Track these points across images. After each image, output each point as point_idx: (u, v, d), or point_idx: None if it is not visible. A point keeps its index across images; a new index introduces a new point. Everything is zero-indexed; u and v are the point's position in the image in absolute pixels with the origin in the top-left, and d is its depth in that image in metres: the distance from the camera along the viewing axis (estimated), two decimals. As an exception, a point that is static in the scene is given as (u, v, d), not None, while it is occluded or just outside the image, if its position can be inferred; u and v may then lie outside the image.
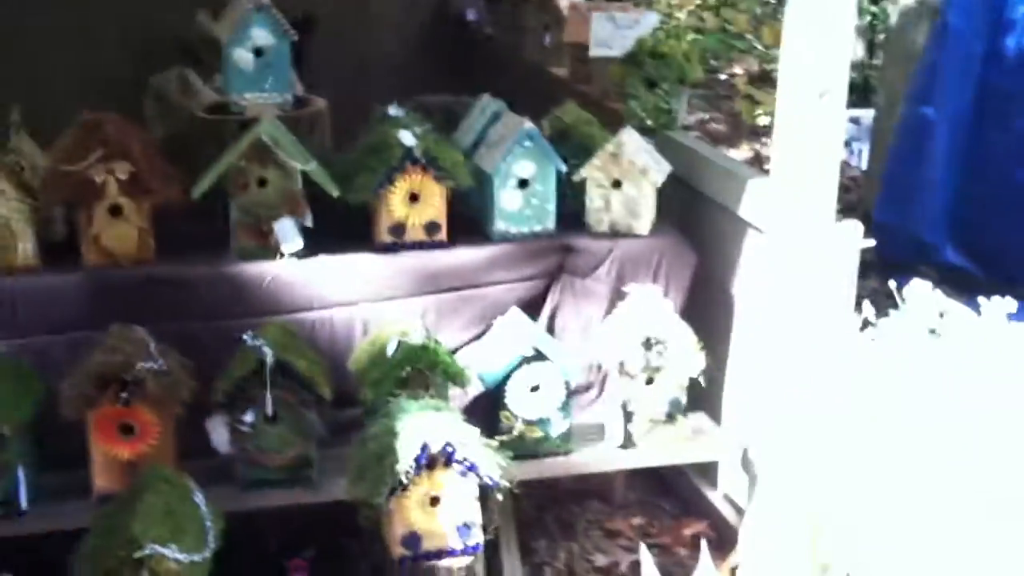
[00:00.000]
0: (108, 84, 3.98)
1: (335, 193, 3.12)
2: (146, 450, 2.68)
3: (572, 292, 3.36)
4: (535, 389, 3.03)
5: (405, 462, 2.46)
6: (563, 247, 3.33)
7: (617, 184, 3.34)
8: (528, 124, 3.22)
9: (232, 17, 3.35)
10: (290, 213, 3.08)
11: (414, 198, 3.17)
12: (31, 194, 2.95)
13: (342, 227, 3.18)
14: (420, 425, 2.50)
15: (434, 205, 3.19)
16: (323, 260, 3.13)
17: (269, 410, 2.75)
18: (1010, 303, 2.62)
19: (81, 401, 2.56)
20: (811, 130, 2.87)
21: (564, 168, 3.29)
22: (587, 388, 3.39)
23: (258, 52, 3.36)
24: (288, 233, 3.08)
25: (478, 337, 3.26)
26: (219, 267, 3.06)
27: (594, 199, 3.36)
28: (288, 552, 2.69)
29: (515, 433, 3.03)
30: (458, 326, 3.25)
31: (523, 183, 3.27)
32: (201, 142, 3.39)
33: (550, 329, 3.35)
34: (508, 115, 3.38)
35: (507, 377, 2.99)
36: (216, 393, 2.72)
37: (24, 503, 2.66)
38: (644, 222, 3.34)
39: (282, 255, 3.08)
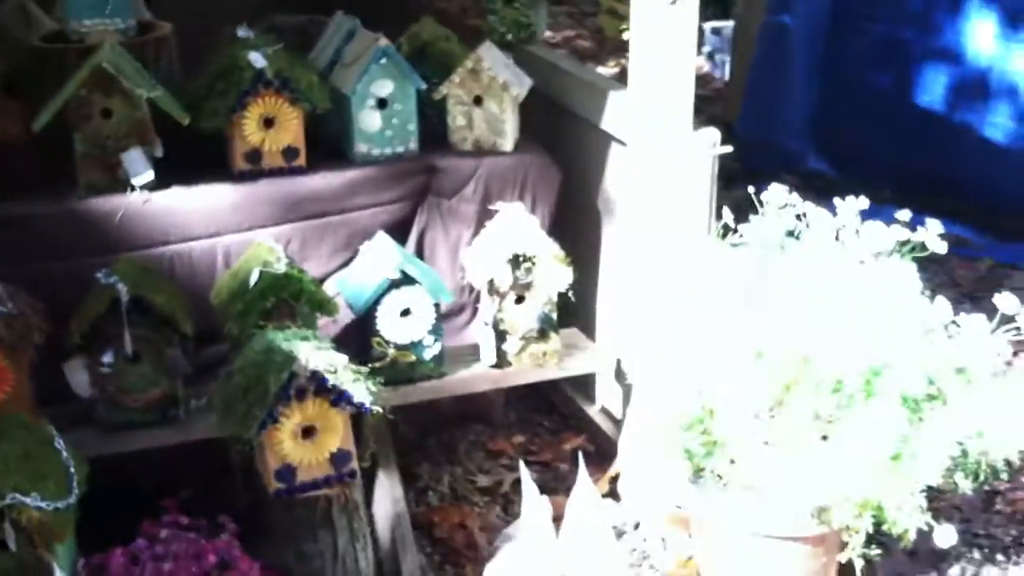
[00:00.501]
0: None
1: (185, 121, 3.03)
2: (1, 397, 2.59)
3: (439, 213, 3.35)
4: (405, 313, 3.03)
5: (273, 393, 2.44)
6: (427, 167, 3.31)
7: (478, 101, 3.32)
8: (383, 41, 3.17)
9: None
10: (139, 143, 2.98)
11: (269, 123, 3.10)
12: None
13: (196, 156, 3.09)
14: (287, 355, 2.48)
15: (290, 129, 3.12)
16: (177, 191, 3.05)
17: (129, 349, 2.68)
18: (863, 202, 2.72)
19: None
20: (664, 38, 2.90)
21: (423, 86, 3.26)
22: (460, 311, 3.41)
23: (98, -26, 3.22)
24: (137, 164, 2.98)
25: (346, 264, 3.23)
26: (67, 204, 2.95)
27: (456, 117, 3.34)
28: (162, 494, 2.65)
29: (388, 360, 3.03)
30: (324, 253, 3.22)
31: (382, 103, 3.23)
32: (42, 74, 3.23)
33: (419, 252, 3.34)
34: (362, 33, 3.32)
35: (376, 302, 2.98)
36: (72, 335, 2.64)
37: None
38: (508, 139, 3.34)
39: (133, 188, 2.99)
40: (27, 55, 3.29)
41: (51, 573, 2.18)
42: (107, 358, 2.66)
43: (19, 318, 2.57)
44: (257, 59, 3.03)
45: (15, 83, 3.19)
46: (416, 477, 3.37)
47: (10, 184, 2.94)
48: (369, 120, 3.23)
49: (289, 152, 3.14)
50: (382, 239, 3.10)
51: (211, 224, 3.08)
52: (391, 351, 3.03)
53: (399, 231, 3.30)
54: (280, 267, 2.79)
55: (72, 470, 2.32)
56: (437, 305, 3.07)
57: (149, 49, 3.31)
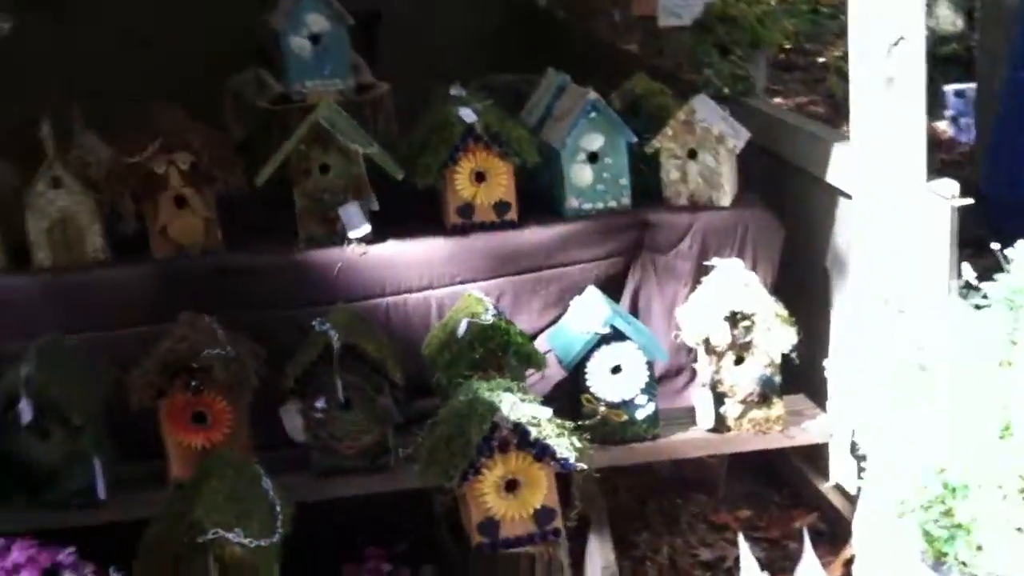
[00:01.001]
0: (185, 87, 4.04)
1: (399, 176, 3.10)
2: (220, 438, 2.68)
3: (654, 270, 3.27)
4: (616, 370, 2.95)
5: (475, 444, 2.41)
6: (641, 222, 3.25)
7: (693, 154, 3.25)
8: (592, 95, 3.16)
9: (285, 6, 3.36)
10: (355, 198, 3.07)
11: (480, 177, 3.13)
12: (97, 189, 2.99)
13: (411, 210, 3.16)
14: (489, 405, 2.45)
15: (501, 184, 3.14)
16: (392, 245, 3.11)
17: (340, 396, 2.72)
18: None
19: (150, 390, 2.58)
20: (889, 83, 2.73)
21: (635, 139, 3.22)
22: (677, 372, 3.30)
23: (314, 39, 3.38)
24: (354, 218, 3.06)
25: (557, 321, 3.20)
26: (287, 255, 3.06)
27: (670, 171, 3.28)
28: (372, 542, 2.65)
29: (598, 417, 2.95)
30: (535, 308, 3.20)
31: (593, 156, 3.20)
32: (269, 134, 3.41)
33: (633, 310, 3.27)
34: (572, 88, 3.32)
35: (585, 358, 2.92)
36: (287, 380, 2.71)
37: (102, 493, 2.68)
38: (725, 193, 3.25)
39: (349, 241, 3.07)
40: (258, 118, 3.48)
41: (252, 612, 2.20)
42: (320, 403, 2.71)
43: (237, 361, 2.66)
44: (468, 115, 3.07)
45: (248, 144, 3.37)
46: (634, 545, 3.24)
47: (236, 236, 3.09)
48: (580, 174, 3.21)
49: (500, 206, 3.16)
50: (592, 293, 3.05)
51: (425, 276, 3.12)
52: (601, 409, 2.96)
53: (612, 287, 3.24)
54: (488, 318, 2.78)
55: (278, 510, 2.36)
56: (651, 363, 2.98)
57: (367, 108, 3.43)
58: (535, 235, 3.18)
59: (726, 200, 3.26)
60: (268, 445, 2.80)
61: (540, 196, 3.30)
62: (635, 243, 3.27)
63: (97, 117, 3.34)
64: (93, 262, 2.99)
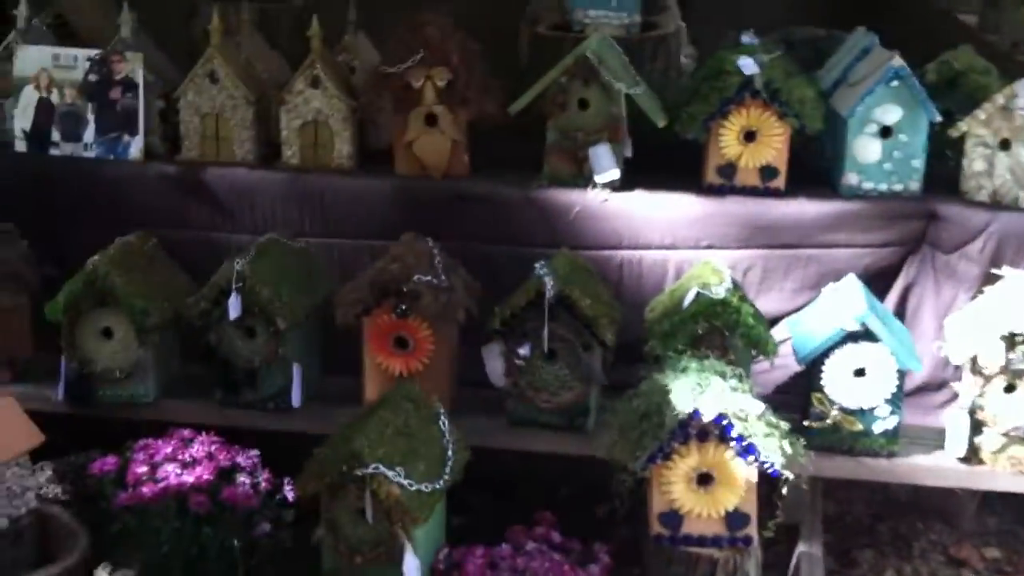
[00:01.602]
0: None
1: (661, 123, 2.89)
2: (418, 367, 2.61)
3: (932, 268, 2.90)
4: (860, 373, 2.63)
5: (669, 427, 2.20)
6: (928, 213, 2.88)
7: (1005, 144, 2.83)
8: (897, 60, 2.79)
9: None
10: (609, 140, 2.89)
11: (750, 136, 2.86)
12: (354, 95, 2.96)
13: (667, 162, 2.94)
14: (695, 388, 2.23)
15: (773, 146, 2.86)
16: (639, 196, 2.91)
17: (545, 345, 2.58)
18: None
19: (355, 308, 2.54)
20: None
21: (938, 118, 2.83)
22: (938, 387, 2.93)
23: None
24: (604, 161, 2.88)
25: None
26: (527, 191, 2.93)
27: (974, 161, 2.87)
28: (542, 501, 2.52)
29: (829, 421, 2.65)
30: (787, 289, 2.92)
31: (885, 131, 2.85)
32: (542, 61, 3.27)
33: (900, 310, 2.92)
34: (878, 51, 2.96)
35: (825, 354, 2.62)
36: (494, 319, 2.60)
37: (297, 400, 2.69)
38: None
39: (595, 185, 2.90)
40: (538, 44, 3.35)
41: (402, 554, 2.13)
42: (524, 350, 2.58)
43: (450, 291, 2.57)
44: (747, 65, 2.80)
45: (526, 71, 3.24)
46: (855, 563, 2.94)
47: (481, 162, 2.99)
48: (867, 149, 2.87)
49: (767, 171, 2.88)
50: (851, 283, 2.72)
51: (668, 235, 2.91)
52: (834, 412, 2.65)
53: (880, 281, 2.91)
54: (720, 291, 2.54)
55: (450, 454, 2.26)
56: (902, 372, 2.63)
57: (647, 47, 3.22)
58: (802, 208, 2.89)
59: (1035, 203, 2.83)
60: (469, 383, 2.71)
61: (815, 166, 2.98)
62: (917, 235, 2.90)
63: (376, 17, 3.31)
64: (337, 168, 2.99)
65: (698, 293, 2.54)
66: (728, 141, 2.87)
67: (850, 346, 2.59)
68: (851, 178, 2.90)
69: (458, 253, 2.80)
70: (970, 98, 2.99)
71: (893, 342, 2.60)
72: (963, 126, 2.87)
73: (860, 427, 2.67)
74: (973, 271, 2.85)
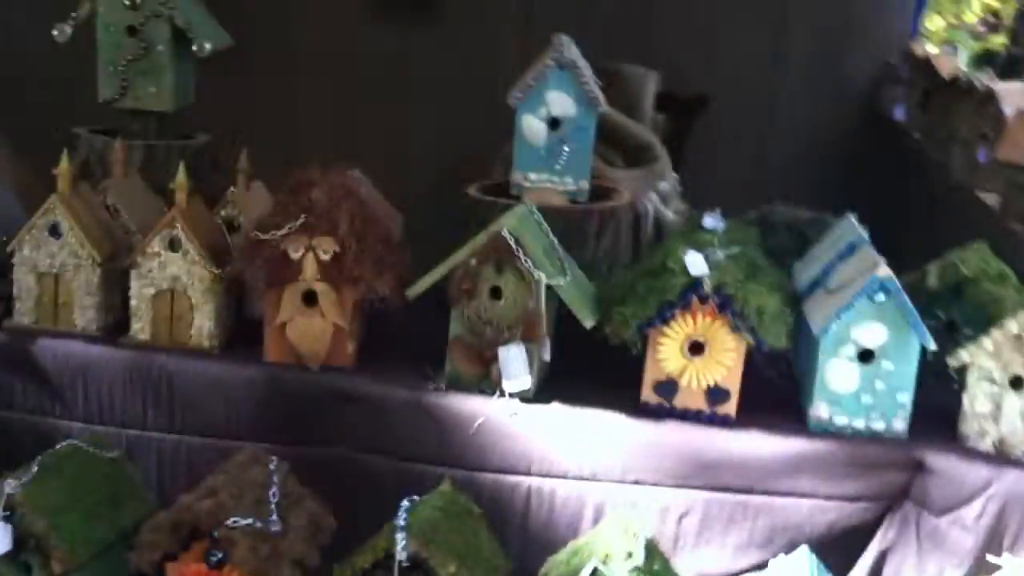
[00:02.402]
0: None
1: (588, 323, 2.36)
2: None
3: (916, 533, 2.34)
4: None
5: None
6: (914, 462, 2.32)
7: (1018, 383, 2.28)
8: (883, 269, 2.27)
9: (528, 76, 2.71)
10: (524, 338, 2.36)
11: (696, 349, 2.33)
12: (220, 262, 2.47)
13: (593, 372, 2.42)
14: None
15: (724, 363, 2.33)
16: (557, 411, 2.38)
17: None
18: None
19: (154, 551, 1.99)
20: None
21: (932, 346, 2.28)
22: None
23: (553, 123, 2.70)
24: (515, 365, 2.36)
25: (761, 567, 2.33)
26: (420, 393, 2.40)
27: (977, 399, 2.33)
28: None
29: None
30: (730, 545, 2.37)
31: (866, 355, 2.31)
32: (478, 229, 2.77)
33: (873, 577, 2.34)
34: (865, 250, 2.43)
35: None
36: (338, 573, 2.05)
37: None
38: None
39: (502, 393, 2.36)
40: (467, 206, 2.85)
41: None
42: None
43: (278, 539, 2.02)
44: (695, 264, 2.28)
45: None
46: None
47: (367, 354, 2.49)
48: (842, 376, 2.33)
49: (715, 393, 2.34)
50: (801, 559, 2.15)
51: (587, 464, 2.37)
52: None
53: (850, 542, 2.35)
54: (627, 570, 1.97)
55: None
56: None
57: (592, 221, 2.71)
58: (757, 444, 2.34)
59: (1051, 463, 2.26)
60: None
61: (779, 393, 2.44)
62: (899, 489, 2.35)
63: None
64: (195, 348, 2.48)
65: (594, 571, 1.97)
66: (669, 353, 2.33)
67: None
68: (821, 410, 2.35)
69: (329, 467, 2.31)
70: (978, 311, 2.47)
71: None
72: (965, 356, 2.32)
73: None
74: (967, 542, 2.28)
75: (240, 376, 2.45)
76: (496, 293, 2.39)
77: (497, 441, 2.37)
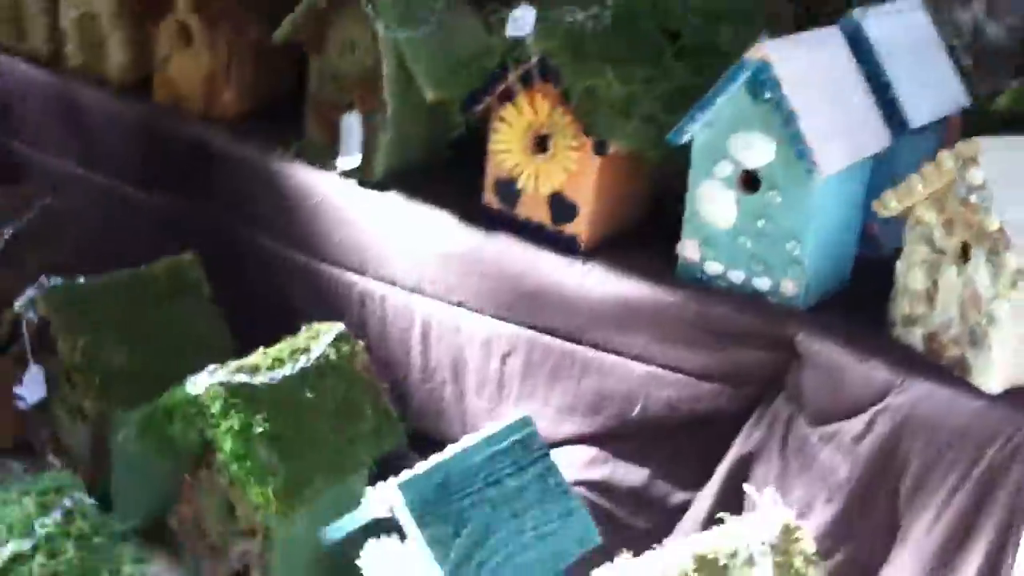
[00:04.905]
0: None
1: (428, 95, 1.93)
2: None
3: (781, 444, 1.71)
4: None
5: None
6: (789, 343, 1.66)
7: (965, 251, 1.54)
8: (760, 50, 1.59)
9: None
10: (360, 108, 2.00)
11: (542, 145, 1.81)
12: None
13: (458, 165, 2.01)
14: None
15: (566, 165, 1.79)
16: (393, 203, 2.00)
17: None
18: None
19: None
20: None
21: (824, 172, 1.58)
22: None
23: None
24: (353, 139, 2.01)
25: (595, 439, 1.84)
26: (281, 157, 2.12)
27: (909, 271, 1.60)
28: None
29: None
30: (552, 405, 1.89)
31: (751, 181, 1.66)
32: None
33: (730, 490, 1.72)
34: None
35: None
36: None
37: None
38: (994, 366, 1.53)
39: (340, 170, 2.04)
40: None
41: None
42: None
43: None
44: (519, 21, 1.74)
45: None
46: None
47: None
48: (719, 207, 1.70)
49: (559, 206, 1.83)
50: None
51: (413, 273, 1.97)
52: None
53: (706, 436, 1.76)
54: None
55: None
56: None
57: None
58: (596, 280, 1.80)
59: (993, 381, 1.51)
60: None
61: (662, 215, 1.85)
62: (769, 377, 1.69)
63: None
64: (108, 80, 2.37)
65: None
66: (507, 144, 1.84)
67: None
68: (689, 249, 1.74)
69: (186, 216, 2.18)
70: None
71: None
72: (893, 200, 1.58)
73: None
74: (839, 470, 1.61)
75: (134, 114, 2.32)
76: (352, 47, 2.01)
77: (335, 227, 2.04)
